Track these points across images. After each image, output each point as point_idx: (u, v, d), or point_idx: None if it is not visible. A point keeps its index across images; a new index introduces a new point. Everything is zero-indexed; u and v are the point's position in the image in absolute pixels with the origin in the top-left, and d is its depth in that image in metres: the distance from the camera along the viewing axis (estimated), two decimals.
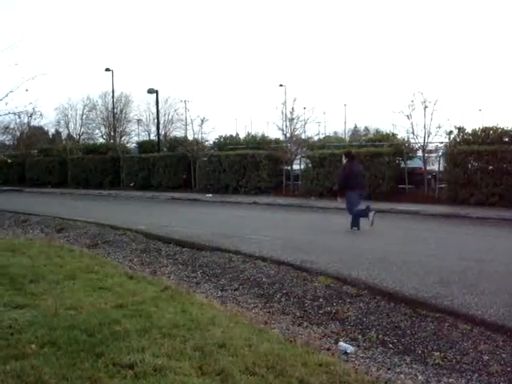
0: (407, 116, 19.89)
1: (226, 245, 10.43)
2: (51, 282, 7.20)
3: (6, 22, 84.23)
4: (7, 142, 53.79)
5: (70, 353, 4.45)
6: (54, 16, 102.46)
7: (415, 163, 20.71)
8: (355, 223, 12.25)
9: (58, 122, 60.36)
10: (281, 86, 51.84)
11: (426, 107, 19.52)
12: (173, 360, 4.33)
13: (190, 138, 29.09)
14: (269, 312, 6.84)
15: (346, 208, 12.70)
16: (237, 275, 8.51)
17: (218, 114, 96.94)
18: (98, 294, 6.59)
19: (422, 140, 19.83)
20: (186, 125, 32.80)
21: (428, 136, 19.63)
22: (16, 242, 11.20)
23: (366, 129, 66.69)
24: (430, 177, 20.25)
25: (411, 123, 19.92)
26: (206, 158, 25.37)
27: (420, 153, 20.47)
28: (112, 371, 4.10)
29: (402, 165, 20.60)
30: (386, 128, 47.84)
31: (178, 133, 50.73)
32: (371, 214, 12.09)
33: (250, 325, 5.84)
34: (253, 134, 29.41)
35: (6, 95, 6.51)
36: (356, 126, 77.39)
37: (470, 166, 17.74)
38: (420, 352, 5.47)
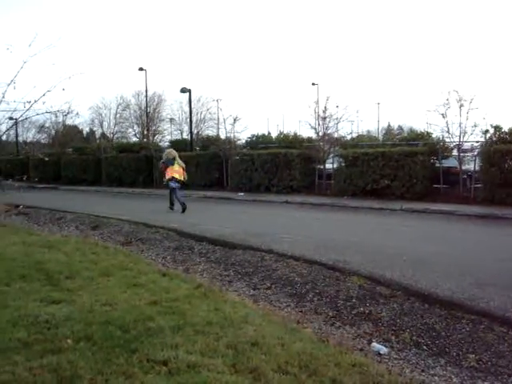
0: (442, 115, 19.62)
1: (258, 244, 10.44)
2: (86, 279, 7.30)
3: (43, 23, 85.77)
4: (42, 141, 54.77)
5: (105, 348, 4.51)
6: (88, 16, 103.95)
7: (450, 163, 20.42)
8: None
9: (92, 120, 61.31)
10: (313, 84, 51.87)
11: (461, 106, 19.20)
12: (206, 357, 4.36)
13: (223, 136, 29.24)
14: (301, 311, 6.82)
15: None
16: (269, 274, 8.50)
17: (250, 112, 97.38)
18: (133, 290, 6.65)
19: (457, 139, 19.55)
20: (219, 124, 33.07)
21: (463, 135, 19.33)
22: (52, 239, 11.37)
23: (400, 127, 65.99)
24: (465, 176, 19.95)
25: (446, 122, 19.64)
26: (238, 157, 25.41)
27: (455, 152, 20.18)
28: (146, 367, 4.14)
29: (437, 164, 20.32)
30: (420, 127, 47.36)
31: (210, 132, 51.15)
32: None
33: (282, 324, 5.84)
34: (285, 132, 29.32)
35: (44, 95, 6.62)
36: (389, 125, 76.41)
37: (506, 165, 17.39)
38: (455, 354, 5.39)
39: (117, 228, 13.73)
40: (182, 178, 17.53)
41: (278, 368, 4.28)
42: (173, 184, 17.26)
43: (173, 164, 17.48)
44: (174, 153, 18.11)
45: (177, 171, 17.40)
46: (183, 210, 16.76)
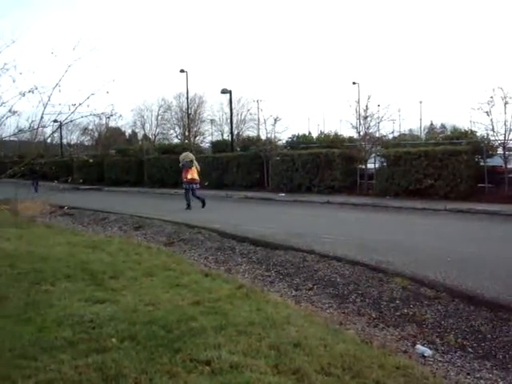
0: (486, 112, 19.16)
1: (299, 244, 10.40)
2: (130, 279, 7.40)
3: (86, 26, 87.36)
4: (86, 143, 55.80)
5: (148, 347, 4.55)
6: (129, 19, 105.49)
7: (495, 161, 19.96)
8: None
9: (135, 122, 61.96)
10: (354, 83, 51.30)
11: (506, 103, 18.75)
12: (249, 357, 4.36)
13: (263, 137, 29.24)
14: (344, 312, 6.78)
15: None
16: (311, 275, 8.48)
17: (290, 113, 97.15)
18: (175, 290, 6.72)
19: (502, 137, 19.10)
20: (259, 124, 33.10)
21: (509, 133, 18.87)
22: (96, 239, 11.59)
23: (443, 126, 64.81)
24: (511, 175, 19.48)
25: (491, 120, 19.18)
26: (278, 158, 25.36)
27: (500, 150, 19.74)
28: (189, 367, 4.17)
29: (482, 163, 19.91)
30: (463, 125, 46.43)
31: (250, 132, 51.20)
32: None
33: (324, 325, 5.82)
34: (325, 132, 29.20)
35: (88, 97, 6.71)
36: (432, 123, 75.17)
37: None
38: (501, 357, 5.28)
39: (159, 229, 13.90)
40: (198, 178, 19.20)
41: (320, 369, 4.26)
42: (188, 186, 18.83)
43: (191, 166, 19.02)
44: (191, 155, 19.76)
45: (194, 172, 18.99)
46: (187, 207, 18.55)
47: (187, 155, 19.67)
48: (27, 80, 6.89)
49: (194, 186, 18.89)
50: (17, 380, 3.94)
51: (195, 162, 19.38)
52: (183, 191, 19.51)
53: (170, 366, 4.15)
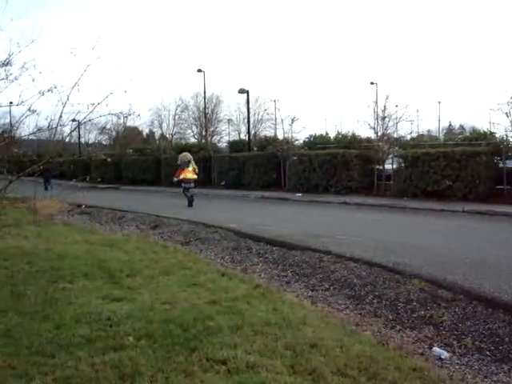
0: (506, 113, 19.02)
1: (316, 245, 10.36)
2: (147, 277, 7.44)
3: (105, 26, 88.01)
4: (104, 142, 56.25)
5: (165, 346, 4.59)
6: (148, 18, 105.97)
7: None
8: None
9: (152, 122, 62.58)
10: (372, 83, 51.14)
11: None
12: (265, 357, 4.37)
13: (280, 137, 29.22)
14: (360, 314, 6.74)
15: None
16: (327, 275, 8.45)
17: (307, 113, 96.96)
18: (192, 289, 6.75)
19: None
20: (276, 124, 33.08)
21: None
22: (113, 238, 11.66)
23: (461, 127, 64.25)
24: None
25: (510, 121, 19.05)
26: (295, 158, 25.32)
27: None
28: (205, 366, 4.19)
29: (501, 165, 19.73)
30: (482, 126, 45.99)
31: (267, 132, 51.32)
32: None
33: (341, 326, 5.80)
34: (343, 132, 29.06)
35: (107, 97, 6.74)
36: (450, 124, 74.61)
37: None
38: None
39: (176, 228, 13.93)
40: (195, 177, 20.47)
41: (337, 370, 4.25)
42: (184, 185, 20.02)
43: (188, 166, 20.16)
44: (189, 156, 20.78)
45: (190, 172, 20.14)
46: (189, 204, 19.63)
47: (186, 155, 20.69)
48: (46, 79, 6.93)
49: (184, 184, 19.95)
50: (34, 377, 3.98)
51: (193, 163, 20.49)
52: (199, 190, 19.89)
53: (186, 365, 4.17)
